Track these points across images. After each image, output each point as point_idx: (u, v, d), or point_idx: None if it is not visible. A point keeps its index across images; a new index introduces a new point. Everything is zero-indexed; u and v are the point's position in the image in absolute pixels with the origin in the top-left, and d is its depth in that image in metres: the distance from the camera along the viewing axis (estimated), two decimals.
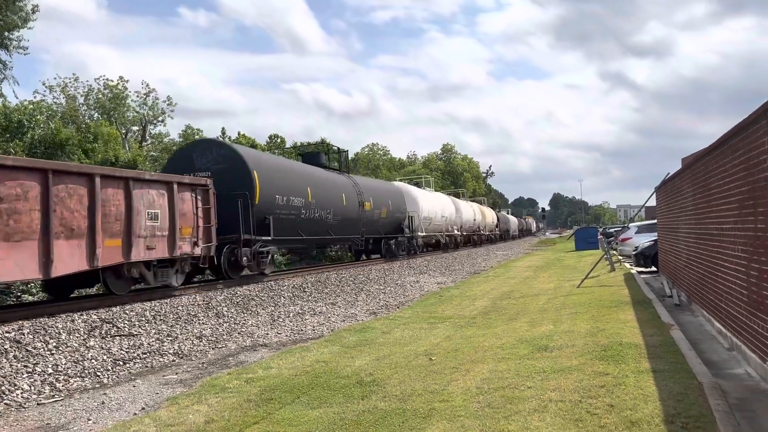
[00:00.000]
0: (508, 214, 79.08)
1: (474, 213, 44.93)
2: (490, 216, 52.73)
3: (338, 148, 26.50)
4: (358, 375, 6.84)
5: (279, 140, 51.64)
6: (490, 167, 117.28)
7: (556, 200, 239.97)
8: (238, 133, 45.60)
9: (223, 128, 45.45)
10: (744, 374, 6.10)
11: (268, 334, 10.25)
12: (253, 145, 38.26)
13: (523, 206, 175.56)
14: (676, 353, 6.63)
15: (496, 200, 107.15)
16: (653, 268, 17.76)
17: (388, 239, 26.86)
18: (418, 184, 38.21)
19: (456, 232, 38.24)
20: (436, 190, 43.86)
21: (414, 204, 30.14)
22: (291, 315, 12.05)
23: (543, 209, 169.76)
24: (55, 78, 61.09)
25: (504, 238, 62.29)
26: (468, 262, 28.70)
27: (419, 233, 30.67)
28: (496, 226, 55.66)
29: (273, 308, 12.72)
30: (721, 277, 7.64)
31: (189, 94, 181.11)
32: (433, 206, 33.11)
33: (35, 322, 9.42)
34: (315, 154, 24.05)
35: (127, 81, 43.01)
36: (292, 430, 5.01)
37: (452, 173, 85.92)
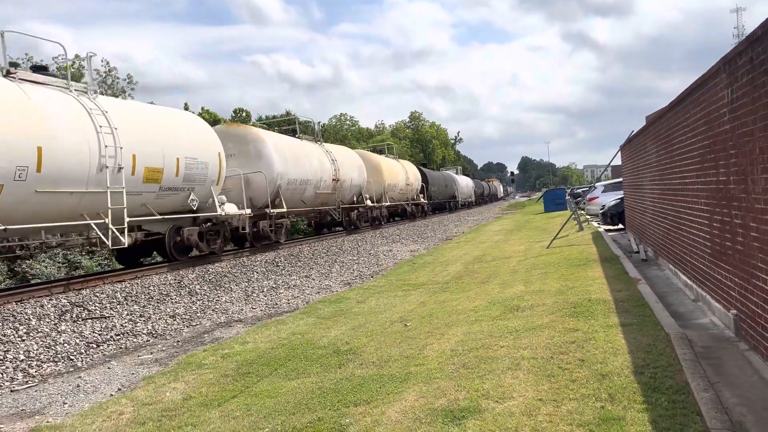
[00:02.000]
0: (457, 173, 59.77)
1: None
2: (400, 176, 33.21)
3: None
4: (335, 344, 6.88)
5: (244, 114, 50.92)
6: (458, 134, 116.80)
7: (525, 164, 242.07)
8: (202, 109, 44.81)
9: (186, 104, 44.54)
10: (709, 323, 6.29)
11: (242, 309, 10.22)
12: (217, 120, 37.63)
13: (492, 171, 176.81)
14: (643, 307, 6.80)
15: (465, 166, 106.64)
16: (620, 226, 18.10)
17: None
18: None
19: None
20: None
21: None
22: (265, 290, 12.03)
23: (512, 173, 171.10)
24: (8, 58, 59.08)
25: (449, 208, 49.08)
26: (440, 229, 28.88)
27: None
28: (421, 193, 37.95)
29: (246, 284, 12.67)
30: (686, 230, 7.82)
31: (147, 70, 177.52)
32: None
33: (3, 309, 9.25)
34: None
35: (83, 59, 41.74)
36: (270, 402, 5.04)
37: (421, 141, 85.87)
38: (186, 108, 44.80)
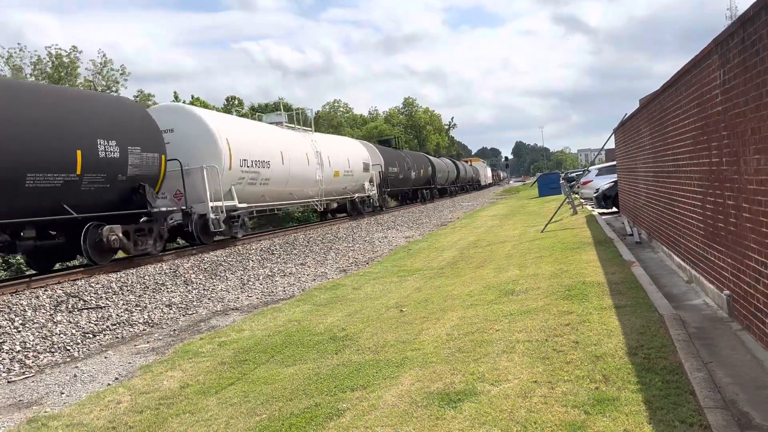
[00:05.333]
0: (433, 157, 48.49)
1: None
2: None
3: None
4: (331, 331, 6.91)
5: (236, 102, 50.68)
6: (452, 119, 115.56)
7: (519, 149, 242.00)
8: (192, 97, 44.57)
9: (175, 92, 44.35)
10: (702, 304, 6.33)
11: (238, 297, 10.24)
12: (206, 107, 37.45)
13: (487, 156, 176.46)
14: (637, 289, 6.84)
15: (459, 152, 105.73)
16: (614, 209, 18.15)
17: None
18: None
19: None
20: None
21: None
22: (261, 278, 12.04)
23: (506, 158, 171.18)
24: None
25: (411, 197, 39.34)
26: (435, 215, 28.92)
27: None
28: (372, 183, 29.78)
29: (242, 272, 12.68)
30: (679, 212, 7.85)
31: (136, 59, 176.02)
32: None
33: None
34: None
35: (80, 52, 41.49)
36: (267, 389, 5.07)
37: (415, 127, 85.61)
38: (176, 97, 44.53)
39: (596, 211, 19.13)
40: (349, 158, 25.91)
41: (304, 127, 24.40)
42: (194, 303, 9.89)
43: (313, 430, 4.03)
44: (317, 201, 23.05)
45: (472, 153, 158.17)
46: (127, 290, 10.49)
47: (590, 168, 27.86)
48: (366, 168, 27.85)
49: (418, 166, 39.26)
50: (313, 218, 29.41)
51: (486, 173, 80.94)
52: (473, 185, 66.58)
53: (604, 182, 20.63)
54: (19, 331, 7.99)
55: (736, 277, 5.24)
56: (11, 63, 39.82)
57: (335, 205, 26.01)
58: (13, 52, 40.28)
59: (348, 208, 27.01)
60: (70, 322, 8.53)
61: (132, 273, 11.76)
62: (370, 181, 28.64)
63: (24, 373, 6.57)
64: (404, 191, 37.73)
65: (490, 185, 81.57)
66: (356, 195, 27.01)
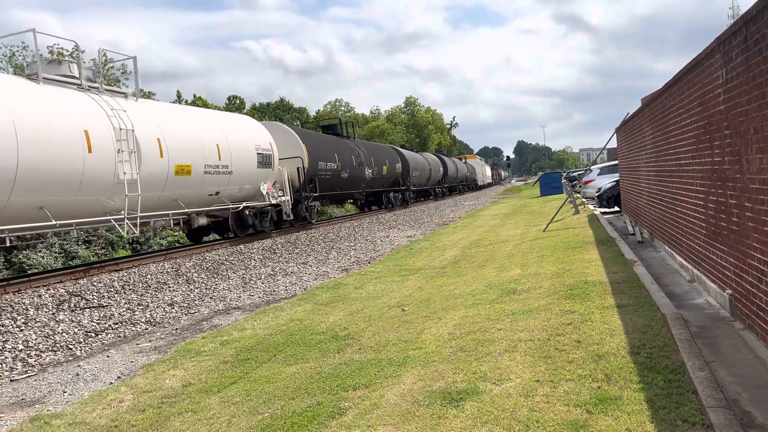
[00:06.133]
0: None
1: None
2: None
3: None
4: (333, 330, 6.91)
5: (238, 102, 50.68)
6: (453, 118, 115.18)
7: (521, 148, 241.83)
8: (194, 96, 44.59)
9: (178, 91, 44.36)
10: (705, 303, 6.33)
11: (240, 296, 10.25)
12: (207, 107, 37.45)
13: (488, 155, 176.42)
14: (639, 288, 6.83)
15: (461, 151, 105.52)
16: (616, 208, 18.14)
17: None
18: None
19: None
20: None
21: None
22: (262, 277, 12.05)
23: (508, 157, 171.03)
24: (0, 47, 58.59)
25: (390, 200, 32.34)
26: (437, 214, 28.92)
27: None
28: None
29: (244, 271, 12.69)
30: (681, 211, 7.84)
31: (137, 57, 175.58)
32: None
33: (0, 300, 9.25)
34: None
35: (83, 51, 41.55)
36: (270, 387, 5.07)
37: (416, 126, 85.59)
38: (178, 96, 44.57)
39: (598, 211, 19.11)
40: (224, 144, 15.82)
41: (113, 90, 13.79)
42: (196, 302, 9.90)
43: (315, 429, 4.03)
44: (125, 219, 12.39)
45: (474, 152, 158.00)
46: (130, 289, 10.51)
47: (592, 167, 27.85)
48: (265, 161, 17.95)
49: (380, 161, 30.31)
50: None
51: (484, 172, 73.20)
52: (468, 185, 59.67)
53: (606, 181, 20.61)
54: (22, 330, 8.01)
55: (739, 276, 5.23)
56: (14, 61, 39.89)
57: (204, 221, 15.94)
58: (15, 50, 40.34)
59: (231, 224, 17.13)
60: (73, 321, 8.54)
61: (134, 272, 11.77)
62: (277, 183, 18.97)
63: (26, 371, 6.59)
64: (355, 194, 27.73)
65: (489, 185, 76.42)
66: (245, 204, 17.13)
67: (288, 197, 19.33)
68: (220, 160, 15.54)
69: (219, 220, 17.19)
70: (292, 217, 19.68)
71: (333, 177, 23.64)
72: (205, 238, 18.86)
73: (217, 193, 15.78)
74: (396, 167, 32.95)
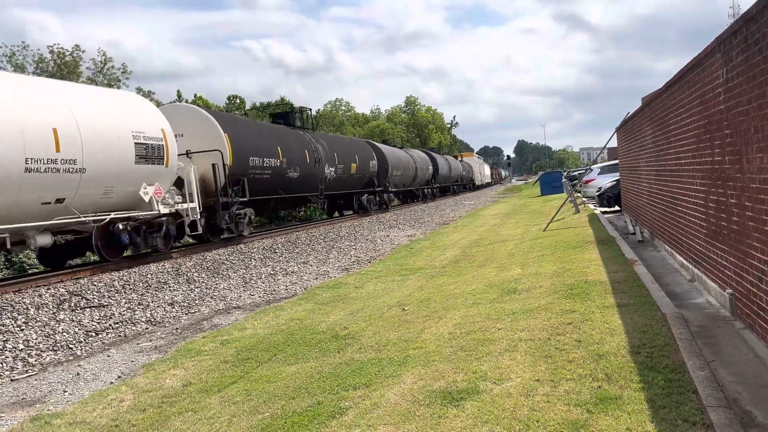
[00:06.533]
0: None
1: None
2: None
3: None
4: (333, 329, 6.91)
5: (239, 101, 50.69)
6: (454, 118, 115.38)
7: (521, 147, 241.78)
8: (195, 95, 44.59)
9: (178, 91, 44.37)
10: (705, 303, 6.33)
11: (241, 296, 10.25)
12: (208, 107, 37.45)
13: (489, 155, 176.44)
14: (640, 287, 6.83)
15: (461, 150, 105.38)
16: (616, 208, 18.14)
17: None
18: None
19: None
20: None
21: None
22: (263, 276, 12.05)
23: (508, 157, 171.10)
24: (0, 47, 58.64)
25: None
26: (437, 213, 28.92)
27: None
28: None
29: (244, 271, 12.69)
30: (682, 211, 7.84)
31: (137, 57, 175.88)
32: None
33: (1, 300, 9.26)
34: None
35: (83, 51, 41.66)
36: (270, 387, 5.07)
37: (417, 126, 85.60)
38: (178, 95, 44.56)
39: (598, 210, 19.11)
40: (68, 130, 10.96)
41: None
42: (197, 302, 9.90)
43: (315, 429, 4.03)
44: None
45: (475, 151, 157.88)
46: (130, 289, 10.51)
47: (592, 166, 27.85)
48: (152, 155, 13.13)
49: (347, 158, 25.51)
50: (315, 216, 29.34)
51: (482, 171, 68.65)
52: (464, 185, 55.49)
53: (607, 181, 20.63)
54: (22, 330, 8.01)
55: (739, 275, 5.23)
56: (14, 61, 39.94)
57: (46, 240, 11.27)
58: (15, 50, 40.39)
59: (95, 243, 12.22)
60: (73, 320, 8.54)
61: (134, 272, 11.78)
62: (175, 185, 14.50)
63: (27, 371, 6.59)
64: (310, 198, 22.69)
65: (488, 185, 73.07)
66: (114, 215, 12.30)
67: (195, 204, 14.57)
68: (58, 152, 10.65)
69: (85, 237, 12.45)
70: (200, 230, 14.97)
71: (274, 177, 18.98)
72: (71, 262, 14.34)
73: (60, 201, 11.02)
74: (370, 165, 27.94)
